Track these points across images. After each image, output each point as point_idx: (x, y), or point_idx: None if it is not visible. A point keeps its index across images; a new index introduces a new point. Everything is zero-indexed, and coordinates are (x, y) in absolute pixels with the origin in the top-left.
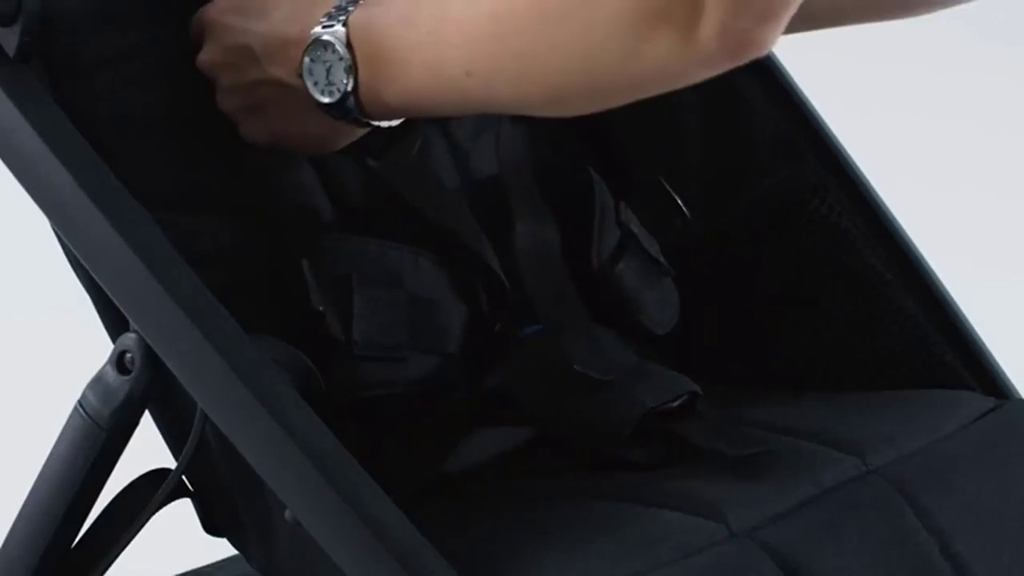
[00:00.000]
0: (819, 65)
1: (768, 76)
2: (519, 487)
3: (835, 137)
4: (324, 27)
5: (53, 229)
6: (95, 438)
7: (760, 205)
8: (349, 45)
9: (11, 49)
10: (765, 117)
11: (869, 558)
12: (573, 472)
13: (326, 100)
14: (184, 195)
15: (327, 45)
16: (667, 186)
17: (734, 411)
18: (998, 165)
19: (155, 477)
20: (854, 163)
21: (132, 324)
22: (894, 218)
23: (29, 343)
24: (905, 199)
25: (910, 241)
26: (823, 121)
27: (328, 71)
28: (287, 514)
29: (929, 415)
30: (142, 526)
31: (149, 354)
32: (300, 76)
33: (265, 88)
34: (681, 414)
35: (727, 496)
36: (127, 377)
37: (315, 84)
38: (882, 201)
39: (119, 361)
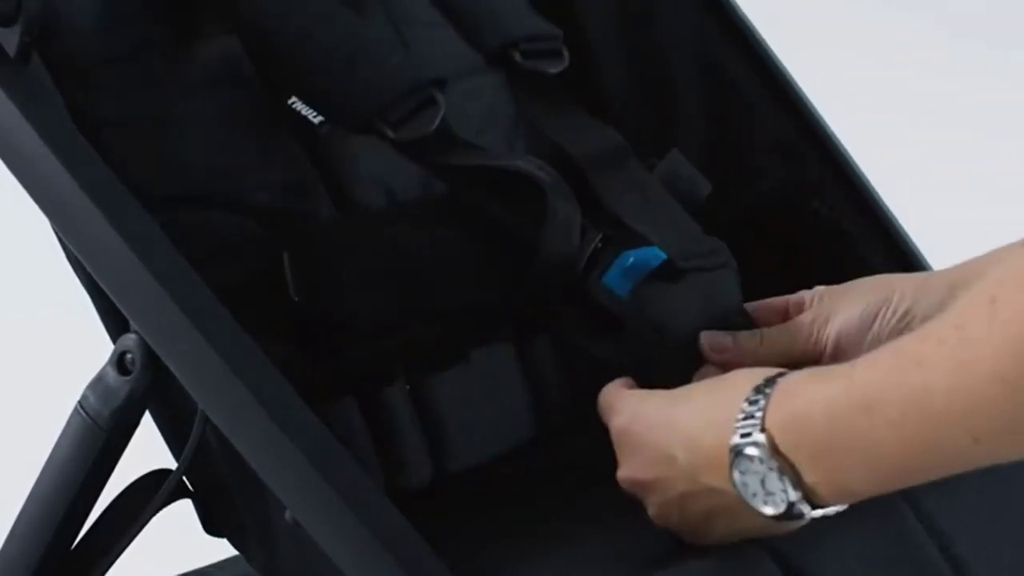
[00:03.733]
0: (819, 65)
1: (768, 76)
2: (518, 487)
3: (835, 137)
4: (743, 437)
5: (53, 229)
6: (95, 438)
7: (760, 206)
8: (777, 452)
9: (11, 49)
10: (765, 117)
11: (870, 559)
12: (573, 472)
13: (771, 512)
14: (184, 194)
15: (752, 458)
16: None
17: None
18: (998, 166)
19: (155, 477)
20: (854, 163)
21: (132, 324)
22: (894, 218)
23: (28, 341)
24: (905, 199)
25: (910, 241)
26: (823, 121)
27: (763, 482)
28: (287, 514)
29: None
30: (142, 526)
31: (149, 355)
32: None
33: (701, 498)
34: None
35: None
36: (127, 377)
37: (754, 496)
38: (882, 201)
39: (119, 361)
